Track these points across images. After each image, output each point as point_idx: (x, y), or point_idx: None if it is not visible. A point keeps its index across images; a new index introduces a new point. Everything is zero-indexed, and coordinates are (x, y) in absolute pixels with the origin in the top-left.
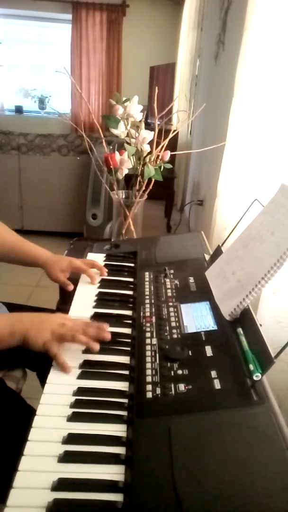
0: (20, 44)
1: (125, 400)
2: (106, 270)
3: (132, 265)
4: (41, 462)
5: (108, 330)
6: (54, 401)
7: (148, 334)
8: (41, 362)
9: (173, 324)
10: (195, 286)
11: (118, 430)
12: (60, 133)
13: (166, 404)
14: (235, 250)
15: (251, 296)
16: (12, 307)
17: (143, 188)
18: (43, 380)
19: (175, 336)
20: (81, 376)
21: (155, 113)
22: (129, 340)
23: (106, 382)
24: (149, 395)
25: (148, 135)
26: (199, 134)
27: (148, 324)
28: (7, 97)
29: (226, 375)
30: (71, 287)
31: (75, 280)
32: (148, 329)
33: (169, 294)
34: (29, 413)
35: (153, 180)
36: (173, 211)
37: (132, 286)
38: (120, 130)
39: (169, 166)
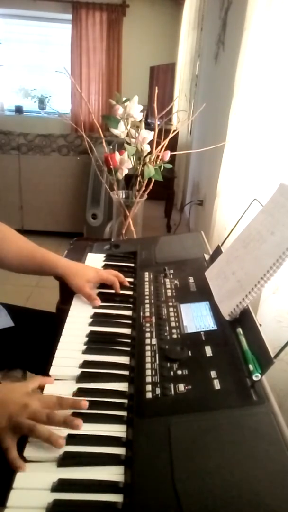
0: (20, 44)
1: (125, 401)
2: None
3: (132, 265)
4: (40, 463)
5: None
6: None
7: (148, 334)
8: (40, 364)
9: (173, 324)
10: (195, 286)
11: (118, 430)
12: (60, 133)
13: (166, 404)
14: (235, 250)
15: (251, 296)
16: (12, 308)
17: (143, 188)
18: None
19: (175, 336)
20: (80, 377)
21: (155, 113)
22: (129, 341)
23: (106, 383)
24: (149, 395)
25: (148, 135)
26: (199, 134)
27: (148, 324)
28: (7, 97)
29: (225, 375)
30: (98, 302)
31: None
32: (148, 329)
33: (169, 294)
34: None
35: (153, 180)
36: (173, 211)
37: (132, 286)
38: (120, 130)
39: (169, 166)
